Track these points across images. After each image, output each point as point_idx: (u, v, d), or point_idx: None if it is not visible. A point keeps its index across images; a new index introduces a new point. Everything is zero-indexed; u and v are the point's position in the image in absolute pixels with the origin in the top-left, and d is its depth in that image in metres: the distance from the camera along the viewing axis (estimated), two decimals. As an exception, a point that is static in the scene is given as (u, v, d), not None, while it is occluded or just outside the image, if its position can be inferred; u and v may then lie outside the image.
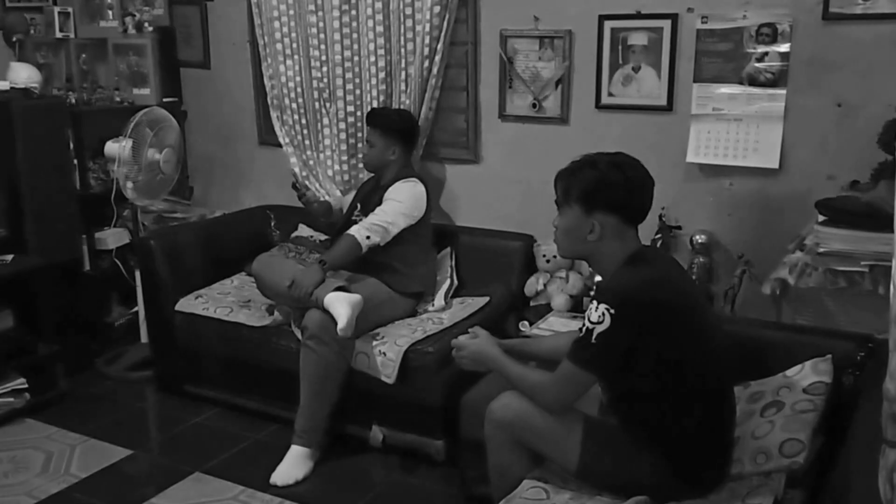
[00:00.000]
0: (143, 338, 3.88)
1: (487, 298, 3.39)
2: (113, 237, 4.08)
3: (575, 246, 2.14)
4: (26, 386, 3.44)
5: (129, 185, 3.67)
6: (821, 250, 2.56)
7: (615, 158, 2.10)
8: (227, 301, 3.47)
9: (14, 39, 3.87)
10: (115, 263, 4.06)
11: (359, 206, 3.46)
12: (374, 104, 3.71)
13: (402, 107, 3.67)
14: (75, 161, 3.87)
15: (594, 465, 2.08)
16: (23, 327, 3.52)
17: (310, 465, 2.99)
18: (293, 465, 2.96)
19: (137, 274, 3.79)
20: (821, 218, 2.65)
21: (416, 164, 3.65)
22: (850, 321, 2.54)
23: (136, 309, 3.96)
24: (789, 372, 2.27)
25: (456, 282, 3.51)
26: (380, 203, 3.28)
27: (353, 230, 3.18)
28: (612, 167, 2.06)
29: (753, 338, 2.44)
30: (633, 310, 1.95)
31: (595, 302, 1.98)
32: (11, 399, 3.40)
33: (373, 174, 3.51)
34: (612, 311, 1.93)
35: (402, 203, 3.26)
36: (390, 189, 3.29)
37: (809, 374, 2.23)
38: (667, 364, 2.00)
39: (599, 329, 1.94)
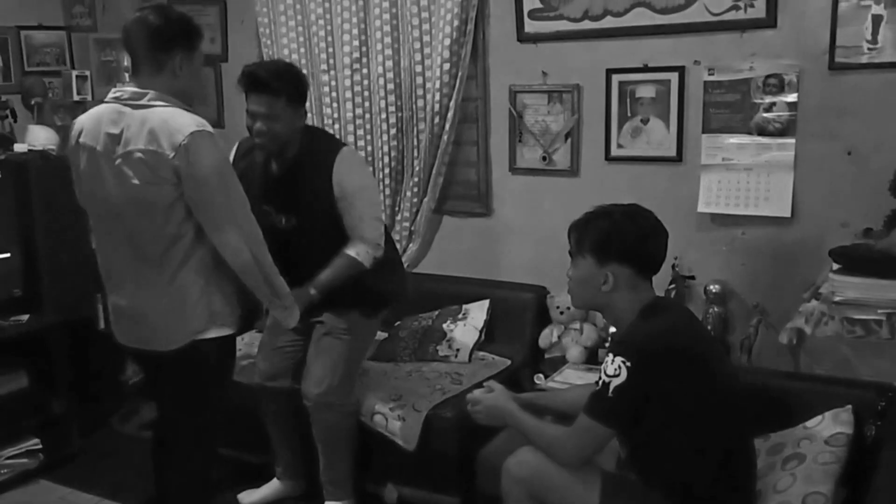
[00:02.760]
0: (157, 395, 3.87)
1: (509, 362, 3.35)
2: (127, 295, 4.09)
3: (588, 297, 2.14)
4: (41, 447, 3.43)
5: (144, 243, 3.69)
6: (836, 299, 2.55)
7: (628, 209, 2.11)
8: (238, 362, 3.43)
9: (33, 102, 3.94)
10: (129, 321, 4.06)
11: (268, 206, 2.73)
12: (386, 160, 3.74)
13: (414, 161, 3.69)
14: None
15: (614, 520, 2.05)
16: (37, 386, 3.52)
17: None
18: None
19: (152, 331, 3.78)
20: (835, 266, 2.64)
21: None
22: (870, 370, 2.51)
23: (150, 367, 3.95)
24: (809, 423, 2.24)
25: (483, 337, 3.44)
26: (307, 193, 2.70)
27: (356, 253, 2.71)
28: (626, 218, 2.08)
29: (771, 388, 2.40)
30: (649, 362, 1.93)
31: (611, 354, 1.97)
32: (25, 460, 3.39)
33: (250, 149, 2.81)
34: (629, 363, 1.92)
35: (369, 188, 2.77)
36: (343, 180, 2.66)
37: (830, 424, 2.20)
38: (685, 416, 1.97)
39: (616, 382, 1.93)
